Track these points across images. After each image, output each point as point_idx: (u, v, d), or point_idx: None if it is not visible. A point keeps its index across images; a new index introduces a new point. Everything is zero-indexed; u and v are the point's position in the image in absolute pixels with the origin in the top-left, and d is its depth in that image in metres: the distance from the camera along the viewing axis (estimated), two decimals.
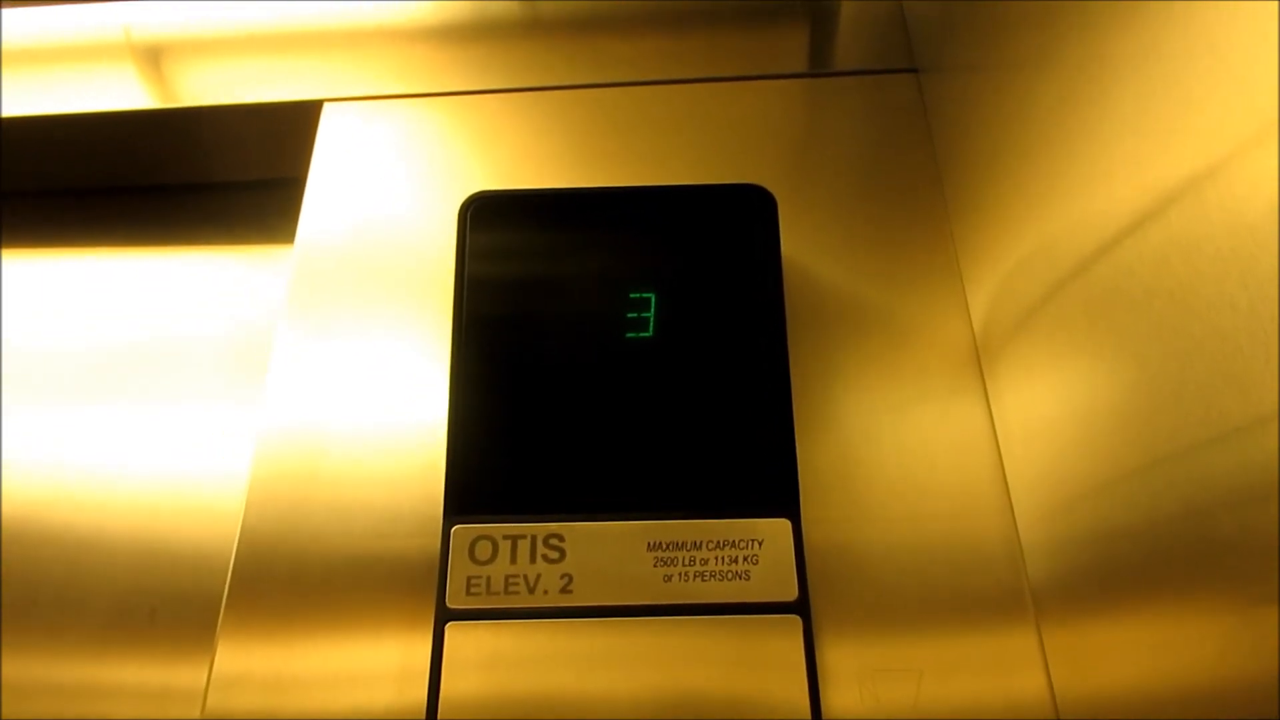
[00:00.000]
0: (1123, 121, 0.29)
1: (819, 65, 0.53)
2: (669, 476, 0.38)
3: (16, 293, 0.54)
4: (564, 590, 0.36)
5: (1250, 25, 0.23)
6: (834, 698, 0.36)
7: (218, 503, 0.46)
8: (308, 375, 0.43)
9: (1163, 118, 0.27)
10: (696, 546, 0.37)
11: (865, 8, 0.55)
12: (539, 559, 0.37)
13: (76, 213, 0.58)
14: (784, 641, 0.35)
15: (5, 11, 0.57)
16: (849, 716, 0.35)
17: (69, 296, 0.54)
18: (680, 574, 0.36)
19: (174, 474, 0.47)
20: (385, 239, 0.47)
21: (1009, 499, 0.39)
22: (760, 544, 0.37)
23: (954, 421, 0.41)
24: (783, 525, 0.37)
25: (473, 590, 0.36)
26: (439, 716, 0.35)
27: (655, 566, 0.36)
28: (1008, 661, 0.36)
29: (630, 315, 0.40)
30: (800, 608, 0.36)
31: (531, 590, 0.36)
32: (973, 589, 0.38)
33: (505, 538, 0.37)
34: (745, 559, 0.36)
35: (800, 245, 0.45)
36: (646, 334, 0.40)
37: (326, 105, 0.52)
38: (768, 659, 0.35)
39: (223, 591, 0.39)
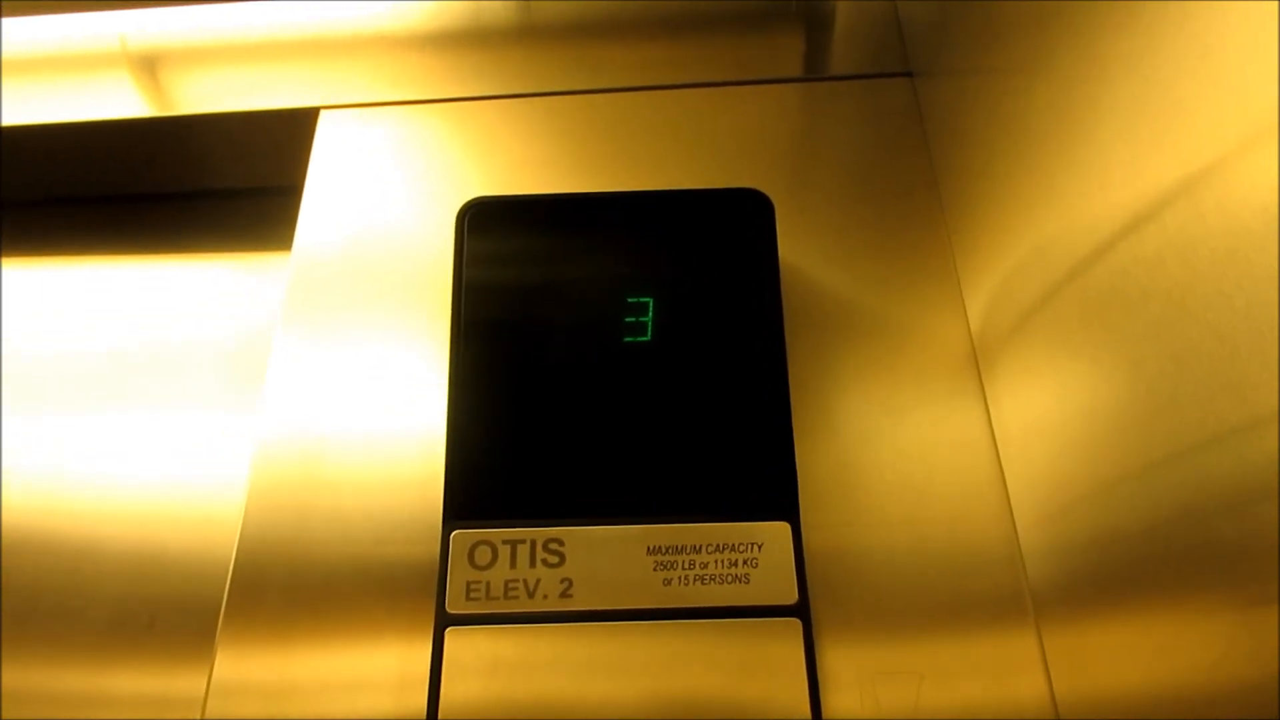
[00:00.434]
0: (1118, 124, 0.29)
1: (814, 70, 0.53)
2: (668, 480, 0.38)
3: (14, 301, 0.54)
4: (564, 595, 0.36)
5: (1244, 29, 0.23)
6: (834, 701, 0.36)
7: (216, 510, 0.46)
8: (306, 382, 0.43)
9: (1158, 120, 0.27)
10: (696, 550, 0.37)
11: (860, 12, 0.55)
12: (538, 564, 0.37)
13: (74, 221, 0.58)
14: (784, 645, 0.35)
15: (2, 20, 0.57)
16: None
17: (67, 305, 0.54)
18: (680, 578, 0.36)
19: (173, 481, 0.47)
20: (383, 245, 0.47)
21: (1008, 502, 0.39)
22: (760, 547, 0.37)
23: (952, 425, 0.41)
24: (782, 528, 0.37)
25: (472, 595, 0.36)
26: None
27: (655, 570, 0.36)
28: (1008, 664, 0.36)
29: (628, 320, 0.40)
30: (800, 611, 0.36)
31: (531, 595, 0.36)
32: (972, 592, 0.38)
33: (504, 543, 0.37)
34: (745, 562, 0.36)
35: (797, 249, 0.45)
36: (644, 338, 0.40)
37: (323, 112, 0.52)
38: (768, 662, 0.35)
39: (222, 598, 0.39)
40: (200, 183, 0.58)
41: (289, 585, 0.39)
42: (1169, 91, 0.26)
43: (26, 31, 0.57)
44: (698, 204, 0.43)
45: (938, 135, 0.47)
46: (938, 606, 0.37)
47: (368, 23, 0.56)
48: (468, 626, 0.36)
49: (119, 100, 0.54)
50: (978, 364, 0.42)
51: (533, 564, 0.37)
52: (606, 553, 0.37)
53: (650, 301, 0.40)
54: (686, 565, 0.36)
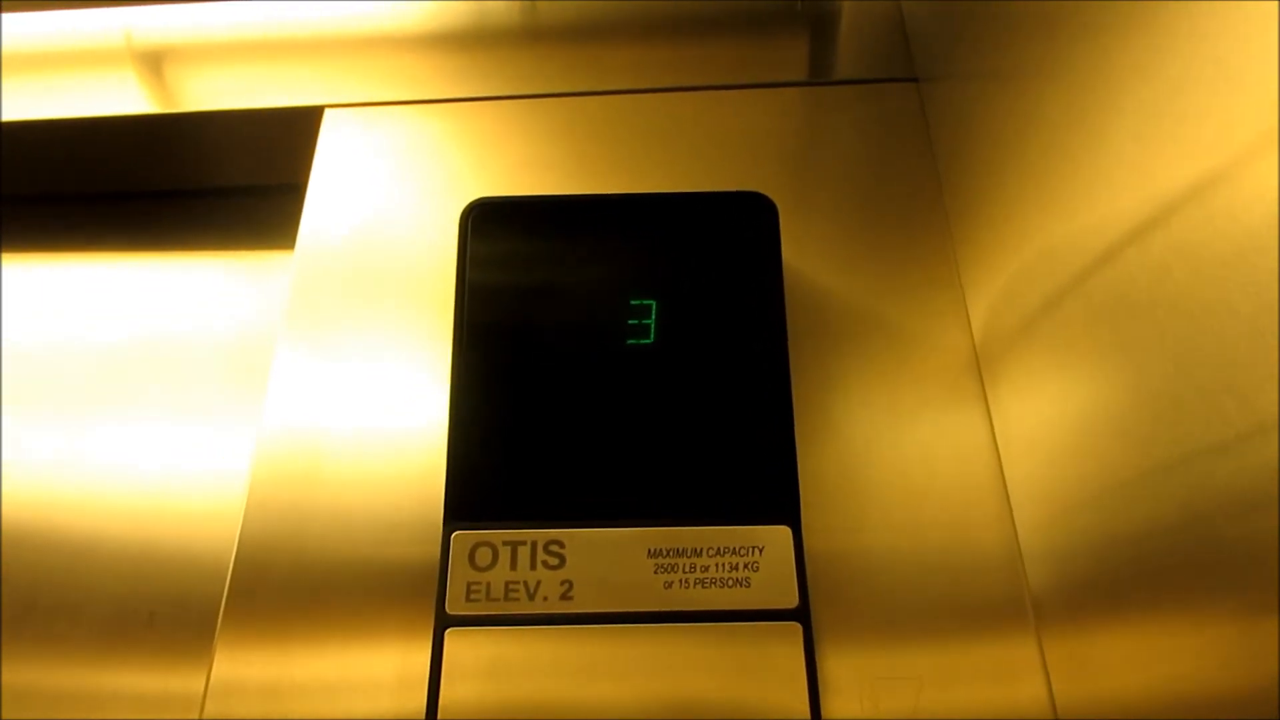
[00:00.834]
0: (1125, 130, 0.29)
1: (819, 74, 0.53)
2: (669, 483, 0.38)
3: (15, 297, 0.54)
4: (564, 597, 0.36)
5: (1253, 35, 0.23)
6: (834, 705, 0.36)
7: (217, 508, 0.46)
8: (308, 381, 0.43)
9: (1165, 126, 0.27)
10: (697, 553, 0.37)
11: (866, 17, 0.55)
12: (539, 565, 0.37)
13: (77, 218, 0.58)
14: (784, 649, 0.35)
15: (5, 16, 0.57)
16: None
17: (69, 301, 0.54)
18: (680, 581, 0.36)
19: (174, 479, 0.47)
20: (386, 244, 0.47)
21: (1009, 507, 0.39)
22: (761, 551, 0.37)
23: (954, 429, 0.41)
24: (783, 532, 0.37)
25: (472, 596, 0.36)
26: None
27: (655, 573, 0.36)
28: (1008, 669, 0.36)
29: (631, 322, 0.40)
30: (801, 615, 0.36)
31: (531, 597, 0.36)
32: (973, 597, 0.37)
33: (505, 544, 0.37)
34: (746, 566, 0.36)
35: (801, 253, 0.45)
36: (647, 340, 0.40)
37: (327, 111, 0.52)
38: (768, 666, 0.35)
39: (221, 597, 0.39)
40: (204, 180, 0.58)
41: (289, 584, 0.39)
42: (1176, 97, 0.26)
43: (30, 26, 0.57)
44: (701, 206, 0.43)
45: (942, 140, 0.47)
46: (938, 611, 0.37)
47: (373, 22, 0.56)
48: (468, 628, 0.36)
49: (123, 96, 0.54)
50: (980, 368, 0.42)
51: (533, 566, 0.37)
52: (607, 555, 0.37)
53: (654, 304, 0.40)
54: (687, 568, 0.36)
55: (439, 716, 0.35)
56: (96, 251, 0.56)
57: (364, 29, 0.56)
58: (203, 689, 0.37)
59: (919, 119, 0.50)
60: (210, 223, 0.57)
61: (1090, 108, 0.31)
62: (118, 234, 0.57)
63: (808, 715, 0.34)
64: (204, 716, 0.36)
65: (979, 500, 0.39)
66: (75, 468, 0.48)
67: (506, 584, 0.36)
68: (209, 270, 0.55)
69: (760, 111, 0.51)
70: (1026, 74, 0.36)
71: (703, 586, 0.36)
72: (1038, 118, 0.35)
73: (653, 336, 0.40)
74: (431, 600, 0.37)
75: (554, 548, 0.37)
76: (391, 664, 0.37)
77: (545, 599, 0.36)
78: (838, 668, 0.36)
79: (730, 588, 0.36)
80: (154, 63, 0.56)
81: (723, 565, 0.36)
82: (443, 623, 0.36)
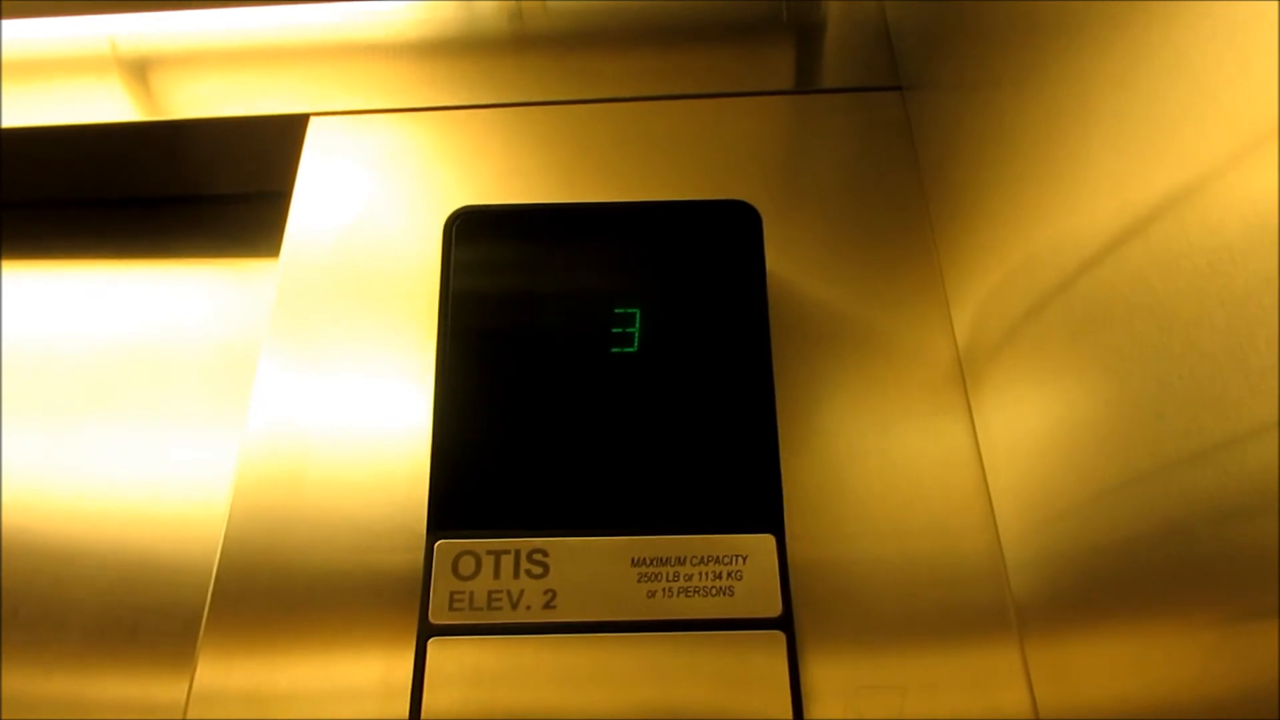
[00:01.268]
0: (1103, 140, 0.29)
1: (804, 82, 0.53)
2: (653, 492, 0.38)
3: None
4: (547, 606, 0.36)
5: (1229, 45, 0.23)
6: (817, 714, 0.36)
7: (201, 516, 0.46)
8: (292, 389, 0.43)
9: (1143, 135, 0.27)
10: (680, 562, 0.37)
11: (851, 26, 0.55)
12: (522, 574, 0.37)
13: (60, 224, 0.58)
14: (768, 657, 0.35)
15: None
16: None
17: (52, 308, 0.53)
18: (664, 589, 0.36)
19: (158, 487, 0.47)
20: (371, 252, 0.47)
21: (992, 515, 0.39)
22: (744, 560, 0.37)
23: (938, 438, 0.41)
24: (767, 541, 0.37)
25: (456, 605, 0.36)
26: None
27: (639, 582, 0.36)
28: (991, 677, 0.36)
29: (615, 330, 0.40)
30: (784, 623, 0.36)
31: (515, 606, 0.36)
32: (956, 605, 0.38)
33: (489, 553, 0.37)
34: (729, 575, 0.36)
35: (785, 261, 0.45)
36: (631, 349, 0.40)
37: (313, 119, 0.52)
38: (751, 675, 0.35)
39: (204, 605, 0.39)
40: (189, 188, 0.57)
41: (272, 592, 0.39)
42: (1154, 106, 0.26)
43: (14, 32, 0.57)
44: (686, 215, 0.43)
45: (926, 148, 0.47)
46: (921, 619, 0.37)
47: (359, 30, 0.56)
48: (451, 637, 0.36)
49: (108, 104, 0.54)
50: (964, 377, 0.42)
51: (516, 575, 0.37)
52: (590, 564, 0.37)
53: (637, 312, 0.40)
54: (671, 577, 0.36)
55: None
56: (79, 258, 0.56)
57: (349, 37, 0.56)
58: (185, 697, 0.37)
59: (903, 127, 0.50)
60: (195, 230, 0.57)
61: (1070, 117, 0.31)
62: (101, 241, 0.57)
63: None
64: None
65: (962, 508, 0.39)
66: (59, 474, 0.48)
67: (490, 593, 0.36)
68: (193, 277, 0.55)
69: (745, 120, 0.51)
70: (1008, 83, 0.37)
71: (686, 595, 0.36)
72: (1019, 127, 0.35)
73: (637, 345, 0.40)
74: (415, 609, 0.37)
75: (537, 556, 0.37)
76: (374, 672, 0.37)
77: (529, 608, 0.36)
78: (821, 676, 0.36)
79: (714, 596, 0.36)
80: (139, 70, 0.56)
81: (706, 574, 0.36)
82: (426, 631, 0.36)
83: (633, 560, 0.37)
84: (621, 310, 0.40)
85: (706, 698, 0.35)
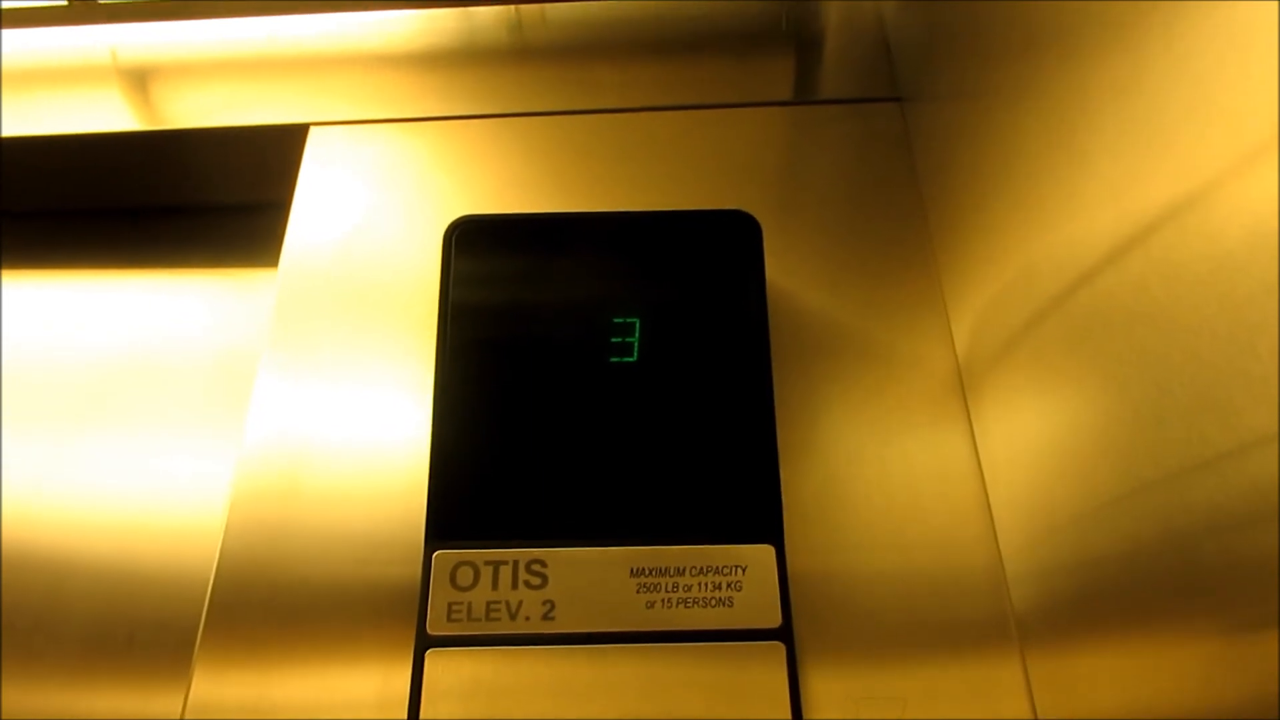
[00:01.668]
0: (1103, 149, 0.29)
1: (804, 93, 0.54)
2: (652, 502, 0.38)
3: None
4: (546, 617, 0.36)
5: (1230, 54, 0.23)
6: None
7: (197, 527, 0.46)
8: (290, 399, 0.43)
9: (1143, 145, 0.27)
10: (679, 573, 0.37)
11: (850, 37, 0.55)
12: (521, 585, 0.36)
13: (60, 234, 0.58)
14: (767, 668, 0.35)
15: None
16: None
17: (50, 318, 0.53)
18: (663, 600, 0.36)
19: (154, 498, 0.47)
20: (370, 262, 0.47)
21: (993, 526, 0.39)
22: (744, 570, 0.37)
23: (938, 449, 0.41)
24: (766, 551, 0.37)
25: (454, 616, 0.36)
26: None
27: (638, 593, 0.36)
28: (992, 689, 0.36)
29: (615, 340, 0.40)
30: (784, 634, 0.36)
31: (513, 617, 0.36)
32: (957, 616, 0.37)
33: (487, 564, 0.37)
34: (728, 585, 0.36)
35: (785, 272, 0.45)
36: (631, 359, 0.40)
37: (313, 129, 0.52)
38: (750, 686, 0.35)
39: (201, 616, 0.38)
40: (188, 197, 0.57)
41: (269, 604, 0.39)
42: (1155, 116, 0.26)
43: (15, 43, 0.57)
44: (686, 225, 0.43)
45: (925, 159, 0.47)
46: (922, 630, 0.37)
47: (358, 40, 0.56)
48: (449, 648, 0.36)
49: (108, 113, 0.54)
50: (963, 388, 0.42)
51: (515, 585, 0.36)
52: (589, 575, 0.37)
53: (637, 322, 0.40)
54: (670, 588, 0.36)
55: None
56: (78, 268, 0.56)
57: (349, 47, 0.56)
58: (181, 708, 0.37)
59: (903, 138, 0.50)
60: (194, 240, 0.57)
61: (1070, 127, 0.31)
62: (101, 250, 0.57)
63: None
64: None
65: (963, 519, 0.39)
66: (56, 485, 0.48)
67: (488, 604, 0.36)
68: (192, 287, 0.55)
69: (745, 130, 0.51)
70: (1007, 93, 0.37)
71: (685, 606, 0.36)
72: (1019, 137, 0.35)
73: (636, 355, 0.40)
74: (412, 620, 0.36)
75: (536, 567, 0.37)
76: (372, 684, 0.37)
77: (527, 619, 0.36)
78: (821, 687, 0.36)
79: (713, 607, 0.36)
80: (139, 80, 0.56)
81: (705, 585, 0.36)
82: (424, 643, 0.36)
83: (632, 571, 0.37)
84: (621, 320, 0.40)
85: (705, 709, 0.35)
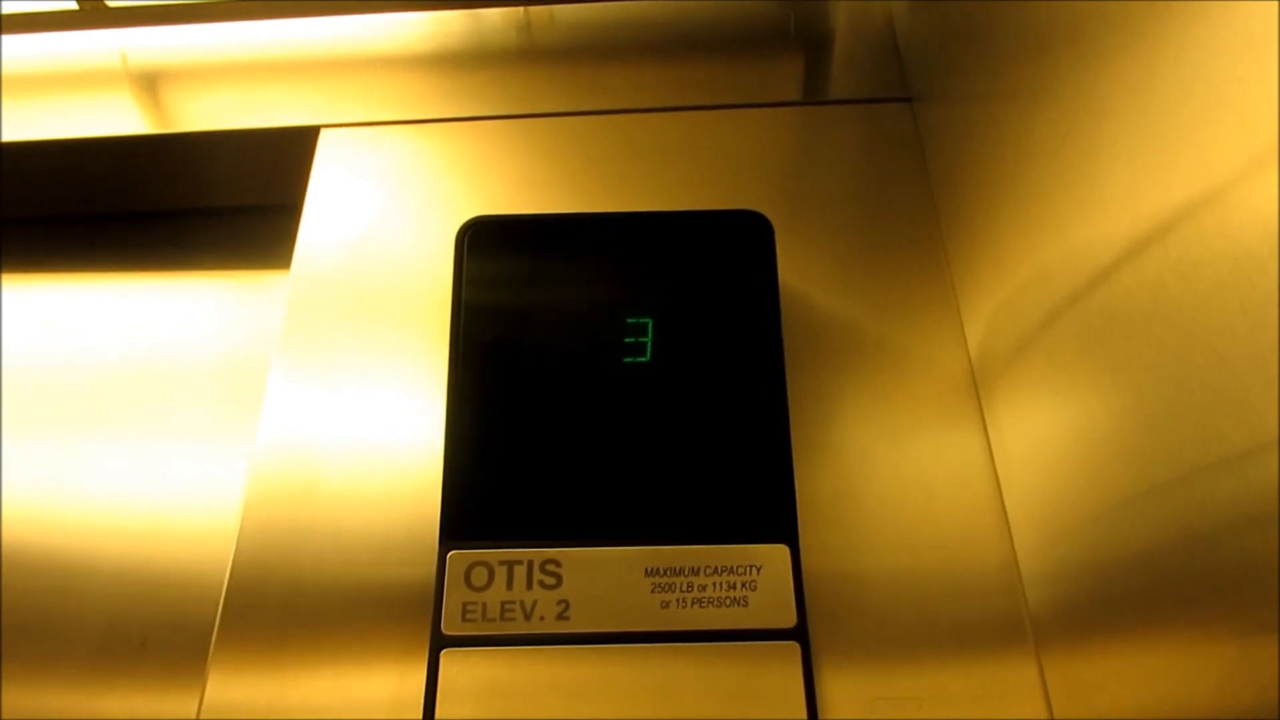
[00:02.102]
0: (1118, 150, 0.29)
1: (814, 94, 0.54)
2: (666, 502, 0.38)
3: (9, 318, 0.54)
4: (560, 616, 0.36)
5: (1244, 54, 0.23)
6: None
7: (211, 530, 0.46)
8: (303, 401, 0.43)
9: (1159, 145, 0.27)
10: (694, 573, 0.37)
11: (859, 37, 0.55)
12: (535, 585, 0.36)
13: (72, 239, 0.58)
14: (782, 668, 0.35)
15: (3, 37, 0.57)
16: None
17: (63, 321, 0.54)
18: (678, 600, 0.36)
19: (168, 500, 0.47)
20: (382, 264, 0.47)
21: (1008, 527, 0.39)
22: (759, 570, 0.37)
23: (952, 449, 0.41)
24: (781, 551, 0.37)
25: (468, 617, 0.36)
26: None
27: (653, 593, 0.36)
28: (1007, 690, 0.36)
29: (628, 340, 0.40)
30: (799, 634, 0.36)
31: (528, 617, 0.36)
32: (972, 617, 0.37)
33: (501, 563, 0.37)
34: (743, 585, 0.36)
35: (797, 272, 0.45)
36: (644, 359, 0.40)
37: (323, 131, 0.52)
38: (766, 686, 0.35)
39: (215, 618, 0.38)
40: (199, 200, 0.58)
41: (283, 605, 0.39)
42: (1170, 116, 0.26)
43: (27, 47, 0.57)
44: (698, 225, 0.43)
45: (937, 160, 0.47)
46: (937, 631, 0.37)
47: (369, 43, 0.56)
48: (464, 648, 0.36)
49: (119, 117, 0.54)
50: (977, 388, 0.42)
51: (529, 585, 0.36)
52: (604, 574, 0.37)
53: (650, 322, 0.40)
54: (684, 588, 0.36)
55: None
56: (91, 272, 0.56)
57: (360, 49, 0.56)
58: (196, 711, 0.37)
59: (913, 139, 0.50)
60: (205, 243, 0.57)
61: (1083, 128, 0.31)
62: (113, 254, 0.57)
63: None
64: None
65: (977, 520, 0.39)
66: (68, 488, 0.48)
67: (503, 604, 0.36)
68: (204, 290, 0.55)
69: (755, 131, 0.51)
70: (1019, 95, 0.37)
71: (700, 606, 0.36)
72: (1031, 138, 0.35)
73: (649, 355, 0.40)
74: (427, 621, 0.36)
75: (550, 567, 0.37)
76: (387, 685, 0.37)
77: (542, 619, 0.36)
78: (836, 688, 0.36)
79: (728, 607, 0.36)
80: (150, 83, 0.56)
81: (720, 584, 0.36)
82: (439, 643, 0.36)
83: (646, 571, 0.37)
84: (634, 320, 0.40)
85: (721, 709, 0.35)
